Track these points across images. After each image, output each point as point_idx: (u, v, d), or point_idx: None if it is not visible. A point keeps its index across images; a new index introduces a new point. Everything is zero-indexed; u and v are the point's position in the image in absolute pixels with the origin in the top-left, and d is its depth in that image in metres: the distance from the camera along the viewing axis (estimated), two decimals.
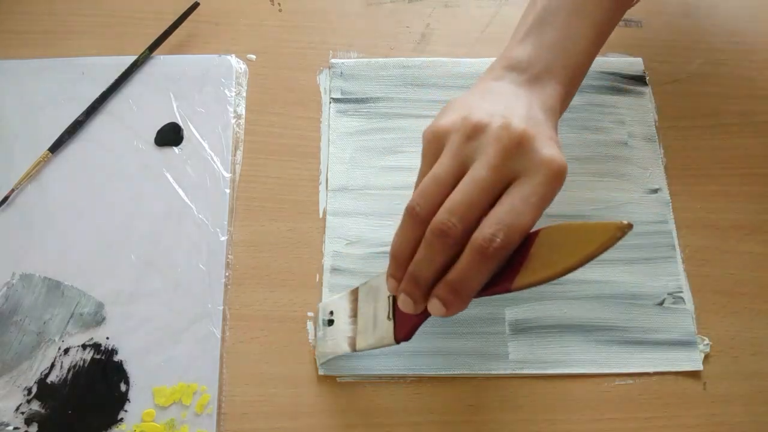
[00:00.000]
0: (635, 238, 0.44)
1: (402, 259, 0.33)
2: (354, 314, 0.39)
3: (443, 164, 0.33)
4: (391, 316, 0.36)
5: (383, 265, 0.43)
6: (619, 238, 0.28)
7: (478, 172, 0.31)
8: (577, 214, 0.45)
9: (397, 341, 0.35)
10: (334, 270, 0.43)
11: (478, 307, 0.42)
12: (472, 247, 0.30)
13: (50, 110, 0.47)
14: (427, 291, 0.32)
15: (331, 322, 0.40)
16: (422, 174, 0.34)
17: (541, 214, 0.31)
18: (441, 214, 0.31)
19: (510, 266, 0.31)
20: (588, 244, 0.29)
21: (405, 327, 0.35)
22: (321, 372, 0.40)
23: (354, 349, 0.38)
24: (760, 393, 0.41)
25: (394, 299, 0.35)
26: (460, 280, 0.31)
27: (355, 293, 0.39)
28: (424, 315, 0.34)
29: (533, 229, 0.31)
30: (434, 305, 0.32)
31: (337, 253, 0.44)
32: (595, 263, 0.43)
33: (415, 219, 0.32)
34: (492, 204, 0.31)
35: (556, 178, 0.31)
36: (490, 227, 0.30)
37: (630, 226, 0.28)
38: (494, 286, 0.32)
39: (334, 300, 0.41)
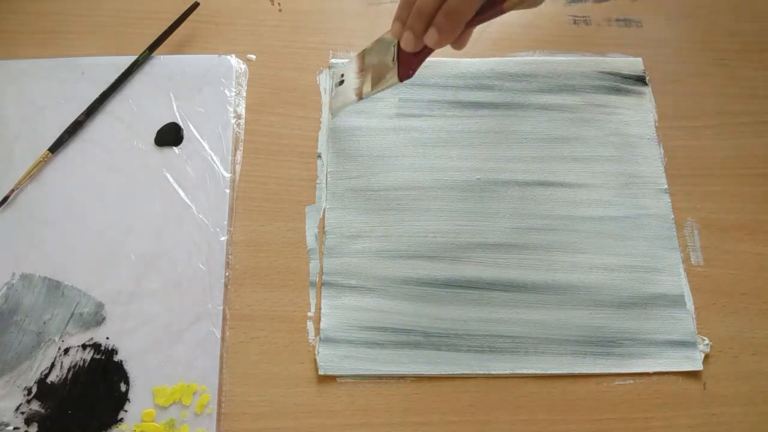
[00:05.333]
0: (635, 239, 0.44)
1: None
2: (362, 69, 0.44)
3: None
4: (395, 59, 0.40)
5: (382, 263, 0.43)
6: None
7: None
8: (577, 215, 0.45)
9: (401, 79, 0.40)
10: (334, 269, 0.43)
11: (480, 308, 0.42)
12: None
13: (50, 110, 0.47)
14: (428, 24, 0.38)
15: (341, 83, 0.45)
16: None
17: None
18: None
19: None
20: None
21: (407, 67, 0.40)
22: (321, 372, 0.40)
23: (361, 96, 0.43)
24: (760, 393, 0.41)
25: (398, 46, 0.40)
26: (455, 4, 0.37)
27: (362, 54, 0.44)
28: (424, 54, 0.40)
29: None
30: (431, 34, 0.38)
31: (337, 252, 0.44)
32: (595, 264, 0.44)
33: None
34: None
35: None
36: None
37: None
38: (488, 9, 0.37)
39: (344, 64, 0.46)
